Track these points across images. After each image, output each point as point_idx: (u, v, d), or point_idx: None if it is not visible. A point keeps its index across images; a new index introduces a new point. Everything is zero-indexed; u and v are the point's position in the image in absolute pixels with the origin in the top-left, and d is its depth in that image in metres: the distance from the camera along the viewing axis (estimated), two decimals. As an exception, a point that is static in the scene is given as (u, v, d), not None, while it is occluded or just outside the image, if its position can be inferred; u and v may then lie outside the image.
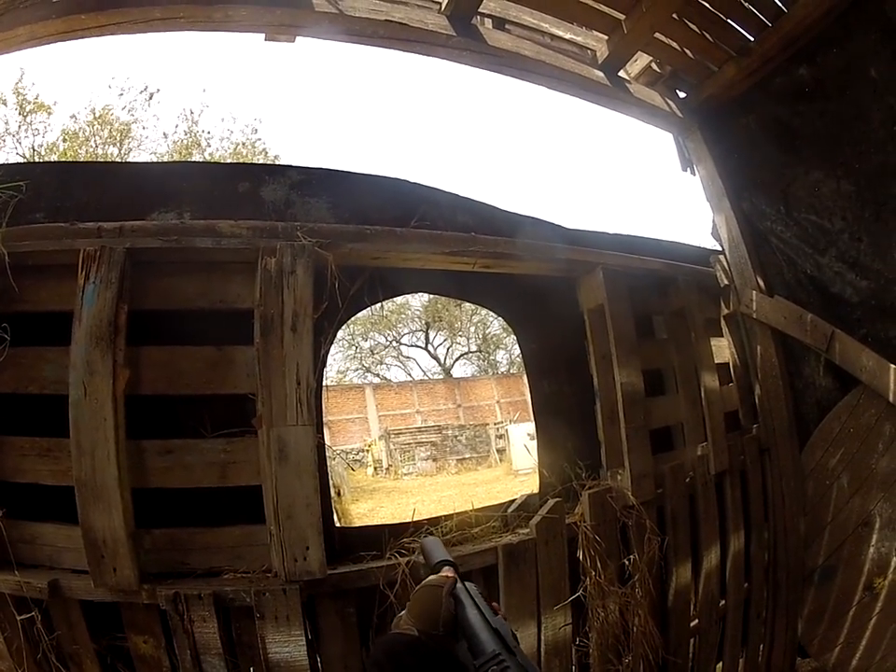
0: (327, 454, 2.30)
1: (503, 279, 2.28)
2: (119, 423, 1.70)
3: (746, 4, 2.71)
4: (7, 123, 12.36)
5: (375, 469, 17.28)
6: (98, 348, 1.70)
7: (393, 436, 17.57)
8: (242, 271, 1.90)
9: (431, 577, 0.94)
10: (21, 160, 11.99)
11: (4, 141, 12.31)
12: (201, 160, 13.99)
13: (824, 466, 2.87)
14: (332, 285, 1.90)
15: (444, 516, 2.10)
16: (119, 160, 13.08)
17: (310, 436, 1.79)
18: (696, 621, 2.55)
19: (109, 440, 1.67)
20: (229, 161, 14.27)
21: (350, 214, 2.11)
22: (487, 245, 2.11)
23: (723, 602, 2.70)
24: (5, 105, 12.14)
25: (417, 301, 26.24)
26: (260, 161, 14.47)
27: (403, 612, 0.87)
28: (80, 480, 1.67)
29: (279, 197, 2.14)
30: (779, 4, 2.69)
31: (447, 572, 0.97)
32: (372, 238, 2.01)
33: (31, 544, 1.79)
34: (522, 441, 13.87)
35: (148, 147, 14.57)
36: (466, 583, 0.92)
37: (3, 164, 2.25)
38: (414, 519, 2.03)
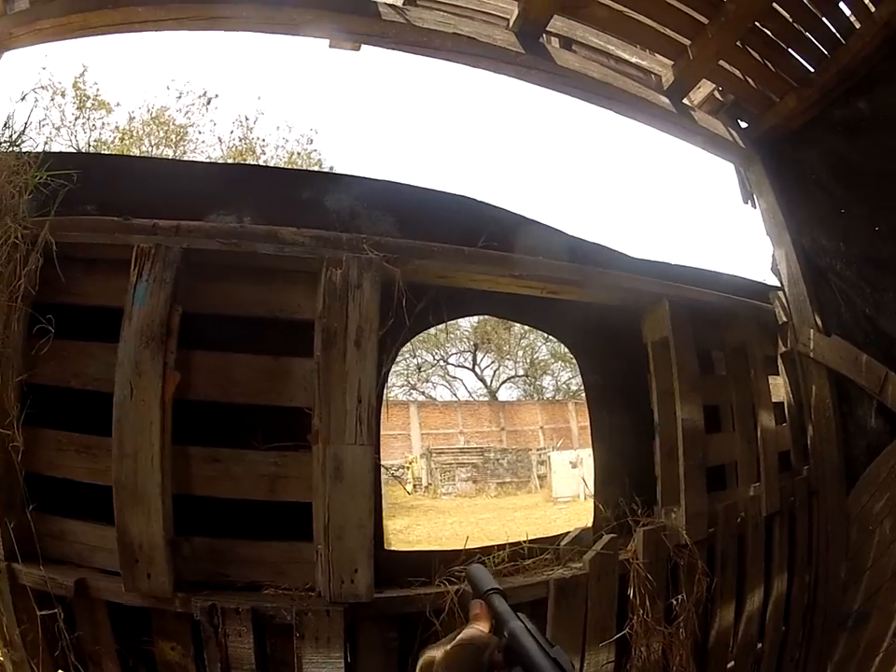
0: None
1: (568, 306, 2.22)
2: (166, 427, 1.64)
3: (805, 33, 2.68)
4: (63, 115, 12.14)
5: (414, 486, 17.12)
6: (148, 349, 1.64)
7: (435, 455, 17.42)
8: (303, 280, 1.84)
9: (475, 631, 0.81)
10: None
11: (59, 131, 12.07)
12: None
13: (869, 511, 2.79)
14: (399, 301, 1.84)
15: (497, 546, 2.04)
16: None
17: (368, 456, 1.72)
18: (733, 662, 2.48)
19: (154, 444, 1.61)
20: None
21: (415, 230, 2.05)
22: (554, 270, 2.06)
23: (760, 645, 2.63)
24: (62, 96, 11.96)
25: (466, 321, 25.81)
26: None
27: (437, 656, 0.77)
28: (120, 482, 1.61)
29: (344, 207, 2.07)
30: (837, 35, 2.66)
31: (486, 609, 0.86)
32: (440, 256, 1.96)
33: (60, 540, 1.73)
34: (563, 469, 13.73)
35: (203, 151, 14.15)
36: (518, 614, 0.83)
37: (55, 153, 2.21)
38: (466, 547, 1.97)
